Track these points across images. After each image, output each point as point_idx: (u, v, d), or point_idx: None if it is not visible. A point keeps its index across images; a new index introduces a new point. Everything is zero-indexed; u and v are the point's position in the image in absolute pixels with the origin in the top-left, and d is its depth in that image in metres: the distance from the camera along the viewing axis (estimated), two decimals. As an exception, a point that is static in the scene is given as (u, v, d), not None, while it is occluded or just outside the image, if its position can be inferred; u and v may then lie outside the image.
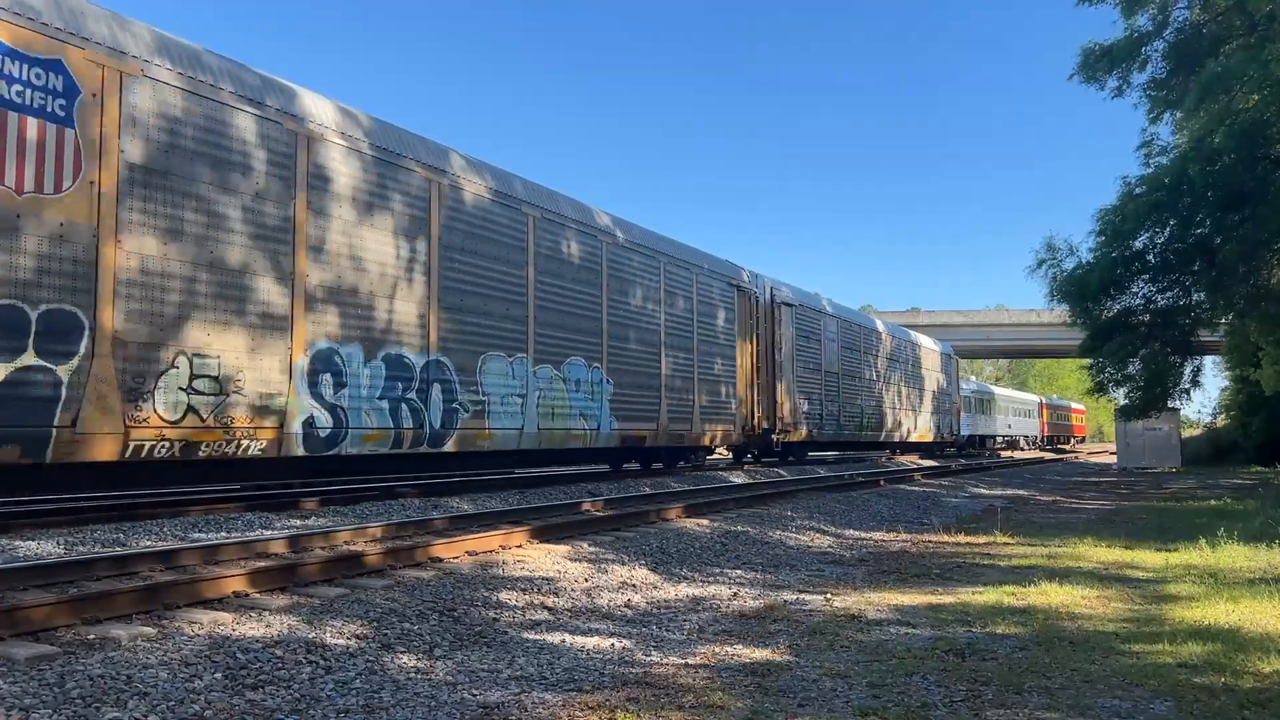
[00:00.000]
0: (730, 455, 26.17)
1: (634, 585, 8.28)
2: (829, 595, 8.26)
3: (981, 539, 12.68)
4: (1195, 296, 24.04)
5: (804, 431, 24.97)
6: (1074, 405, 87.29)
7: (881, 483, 20.85)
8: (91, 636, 5.31)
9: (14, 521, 9.53)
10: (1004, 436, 56.77)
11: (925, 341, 37.87)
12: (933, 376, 37.66)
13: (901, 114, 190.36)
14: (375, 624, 6.09)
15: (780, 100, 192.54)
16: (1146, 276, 23.89)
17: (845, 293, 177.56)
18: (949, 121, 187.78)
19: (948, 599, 8.06)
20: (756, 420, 22.43)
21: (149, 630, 5.46)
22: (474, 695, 4.96)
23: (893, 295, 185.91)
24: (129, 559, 7.34)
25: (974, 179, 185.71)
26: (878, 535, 13.22)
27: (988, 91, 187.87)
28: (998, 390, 57.60)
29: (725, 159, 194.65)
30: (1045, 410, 70.92)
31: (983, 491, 22.57)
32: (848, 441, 29.20)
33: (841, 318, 28.83)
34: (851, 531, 13.34)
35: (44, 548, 8.15)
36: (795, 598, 8.15)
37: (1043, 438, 68.57)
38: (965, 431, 45.83)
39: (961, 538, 12.88)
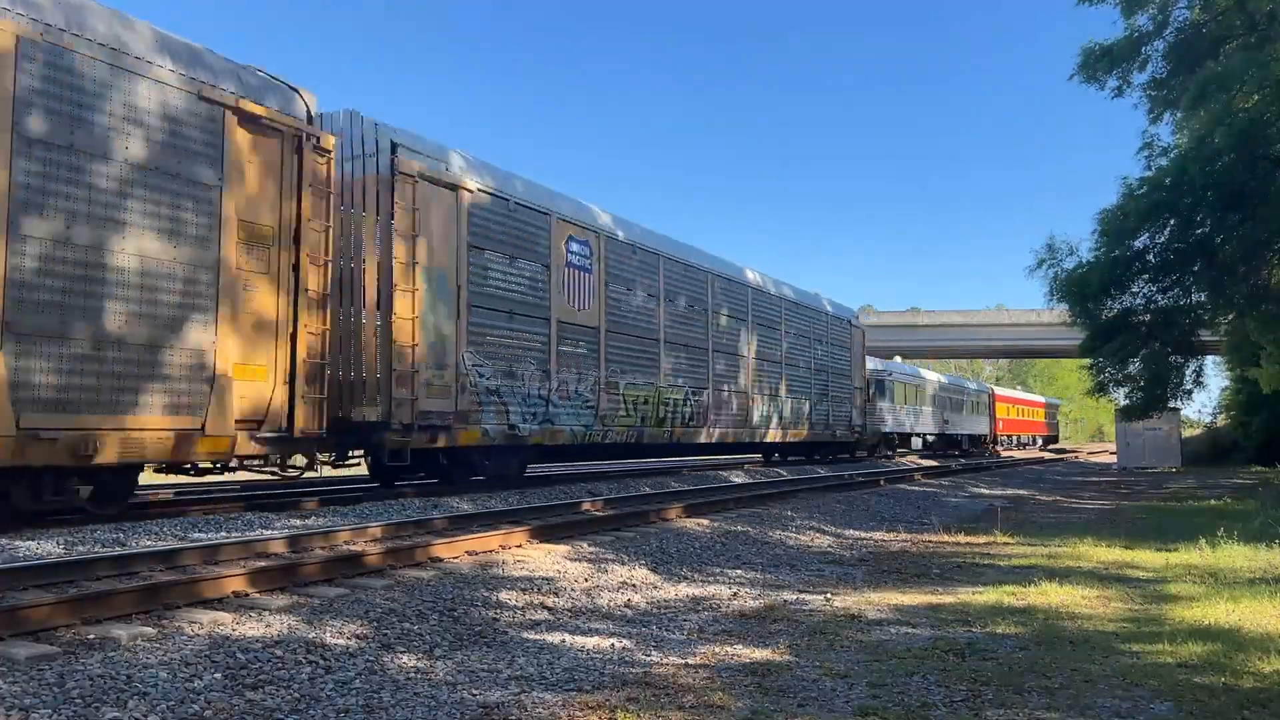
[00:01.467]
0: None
1: (634, 585, 8.27)
2: (829, 595, 8.26)
3: (981, 539, 12.68)
4: (1196, 296, 24.05)
5: (490, 428, 13.85)
6: (1048, 400, 75.16)
7: (881, 482, 20.85)
8: (91, 636, 5.30)
9: (14, 521, 9.53)
10: (935, 434, 43.23)
11: (803, 298, 26.32)
12: (816, 348, 26.50)
13: (901, 114, 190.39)
14: (375, 624, 6.09)
15: (780, 101, 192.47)
16: (1147, 276, 23.90)
17: (845, 292, 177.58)
18: (949, 121, 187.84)
19: (948, 599, 8.06)
20: (319, 406, 11.02)
21: (149, 630, 5.46)
22: (474, 695, 4.95)
23: (893, 296, 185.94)
24: (129, 559, 7.33)
25: (974, 179, 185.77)
26: (878, 535, 13.22)
27: (988, 91, 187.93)
28: (922, 374, 42.92)
29: (725, 159, 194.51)
30: (1002, 404, 57.07)
31: (983, 491, 22.57)
32: (628, 443, 17.70)
33: (617, 236, 17.12)
34: (851, 531, 13.34)
35: (44, 547, 8.14)
36: (795, 598, 8.15)
37: (993, 436, 54.47)
38: (882, 428, 35.16)
39: (961, 538, 12.88)
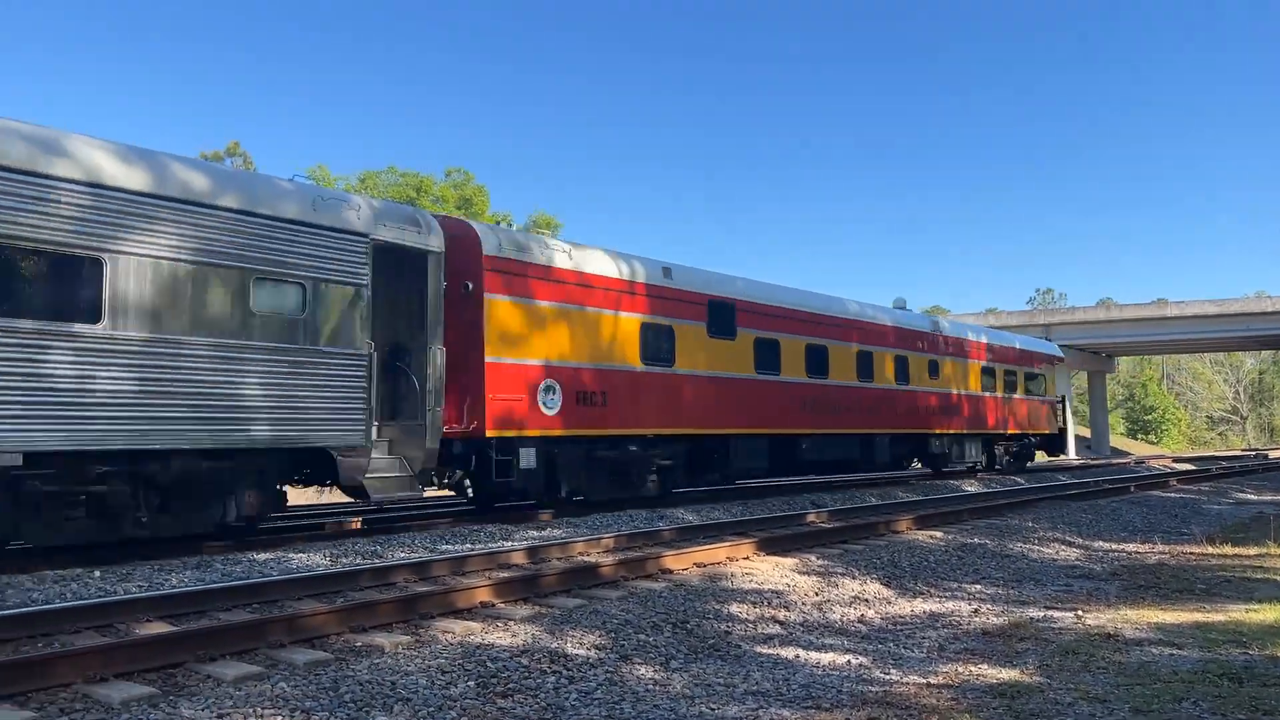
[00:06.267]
0: None
1: (866, 600, 8.09)
2: (1080, 612, 7.76)
3: (1252, 550, 11.54)
4: None
5: None
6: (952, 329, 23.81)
7: (1132, 489, 19.42)
8: (359, 644, 5.74)
9: (286, 535, 10.48)
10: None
11: None
12: None
13: (1098, 101, 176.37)
14: (613, 635, 6.25)
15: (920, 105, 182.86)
16: None
17: (1084, 287, 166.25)
18: (1176, 97, 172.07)
19: (1217, 617, 7.39)
20: None
21: (406, 639, 5.86)
22: (712, 709, 4.99)
23: (1136, 288, 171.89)
24: (387, 570, 7.90)
25: (1224, 158, 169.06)
26: (1130, 546, 12.30)
27: (1233, 63, 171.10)
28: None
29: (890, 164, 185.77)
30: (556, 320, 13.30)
31: (1249, 497, 20.56)
32: None
33: None
34: (1100, 543, 12.48)
35: (313, 559, 8.90)
36: (1042, 614, 7.71)
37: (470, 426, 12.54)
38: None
39: (1228, 549, 11.77)
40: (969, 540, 11.30)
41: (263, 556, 8.90)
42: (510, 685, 5.13)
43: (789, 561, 9.18)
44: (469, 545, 10.02)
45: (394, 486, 10.78)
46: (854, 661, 6.09)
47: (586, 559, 9.19)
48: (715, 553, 9.15)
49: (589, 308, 13.42)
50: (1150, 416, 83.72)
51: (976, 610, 7.88)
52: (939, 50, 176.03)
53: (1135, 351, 72.04)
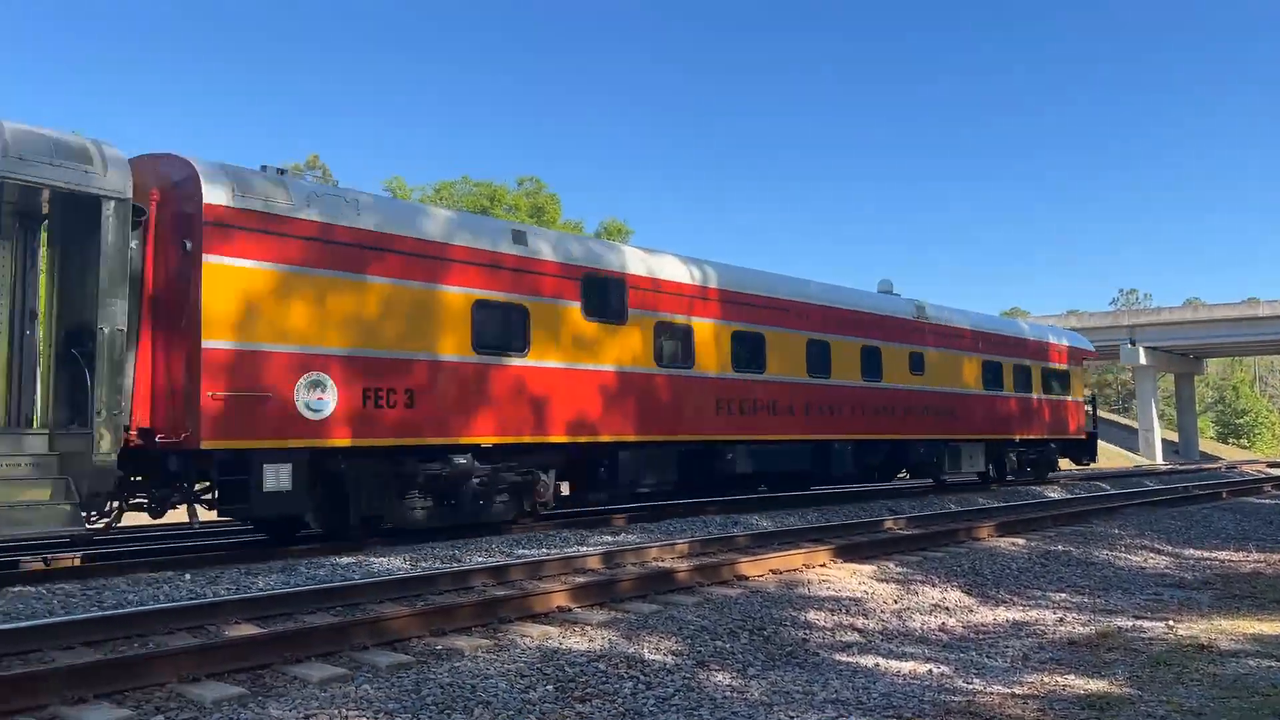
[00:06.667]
0: None
1: (947, 608, 7.94)
2: (1171, 622, 7.51)
3: (1356, 560, 11.05)
4: None
5: None
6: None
7: (1224, 495, 18.74)
8: (439, 647, 5.82)
9: (365, 540, 10.66)
10: None
11: None
12: None
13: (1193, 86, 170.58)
14: (689, 641, 6.24)
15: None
16: None
17: (1169, 286, 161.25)
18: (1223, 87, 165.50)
19: (1319, 630, 7.09)
20: None
21: (486, 642, 5.93)
22: (790, 717, 4.94)
23: (1225, 287, 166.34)
24: (466, 574, 8.01)
25: None
26: (1223, 554, 11.87)
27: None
28: None
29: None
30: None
31: (1352, 504, 19.67)
32: None
33: None
34: (1191, 551, 12.06)
35: (393, 563, 9.06)
36: (1131, 624, 7.48)
37: None
38: None
39: (1330, 558, 11.29)
40: (1052, 547, 11.02)
41: (345, 560, 9.10)
42: (588, 690, 5.15)
43: (867, 569, 9.06)
44: (545, 550, 10.10)
45: (40, 518, 7.79)
46: (935, 670, 5.98)
47: (661, 565, 9.19)
48: (791, 559, 9.08)
49: (385, 279, 10.29)
50: (1242, 420, 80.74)
51: (1062, 619, 7.68)
52: (1022, 50, 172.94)
53: (1225, 353, 69.56)
